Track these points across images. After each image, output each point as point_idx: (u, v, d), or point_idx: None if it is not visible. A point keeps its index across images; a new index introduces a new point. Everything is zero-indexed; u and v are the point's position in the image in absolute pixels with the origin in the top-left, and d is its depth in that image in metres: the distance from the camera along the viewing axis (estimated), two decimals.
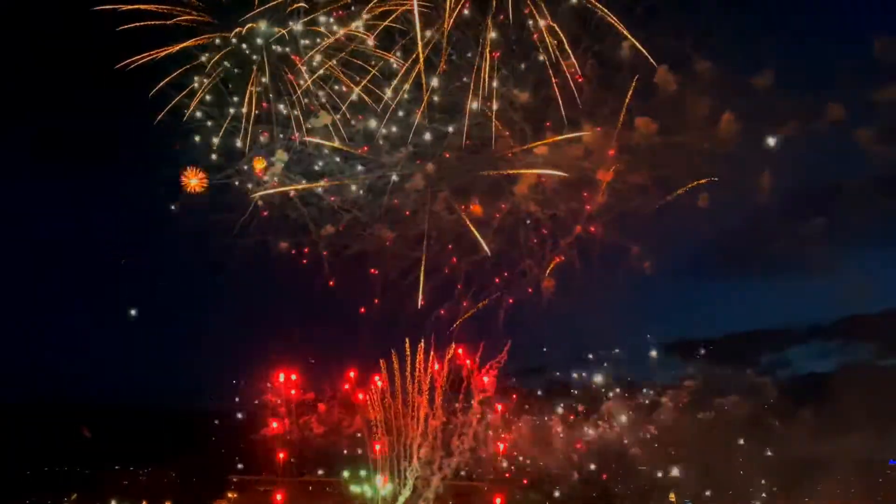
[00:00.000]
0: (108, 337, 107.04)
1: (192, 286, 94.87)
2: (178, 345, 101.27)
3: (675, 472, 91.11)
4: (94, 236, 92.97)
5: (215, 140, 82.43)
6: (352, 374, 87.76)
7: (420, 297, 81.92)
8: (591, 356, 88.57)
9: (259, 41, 78.71)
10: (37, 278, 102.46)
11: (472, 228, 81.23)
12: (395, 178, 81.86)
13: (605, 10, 75.27)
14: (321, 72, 79.41)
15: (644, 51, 75.51)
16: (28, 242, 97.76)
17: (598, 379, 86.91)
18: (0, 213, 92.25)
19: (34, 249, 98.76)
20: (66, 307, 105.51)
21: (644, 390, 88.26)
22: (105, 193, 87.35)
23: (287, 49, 79.98)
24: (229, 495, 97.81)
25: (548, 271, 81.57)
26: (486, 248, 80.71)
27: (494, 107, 78.49)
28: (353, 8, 77.76)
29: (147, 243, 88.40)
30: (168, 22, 78.42)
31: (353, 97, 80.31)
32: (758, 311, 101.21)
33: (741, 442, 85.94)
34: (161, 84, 78.64)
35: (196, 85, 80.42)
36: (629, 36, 74.54)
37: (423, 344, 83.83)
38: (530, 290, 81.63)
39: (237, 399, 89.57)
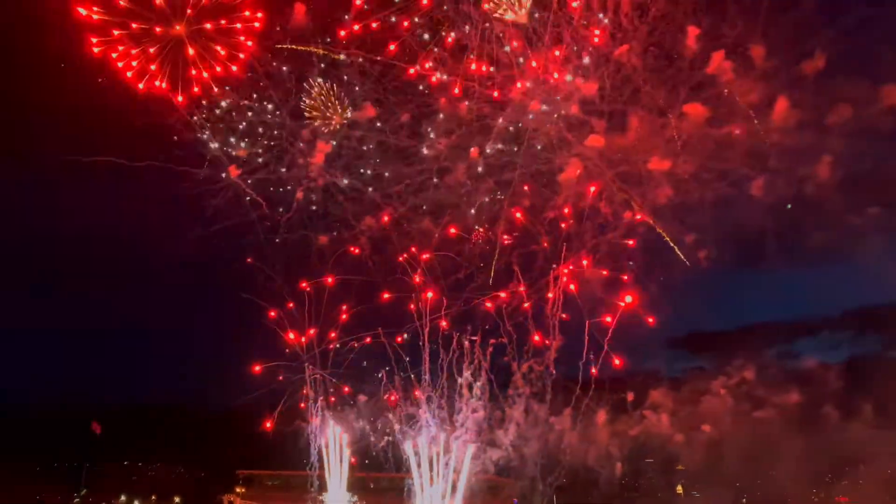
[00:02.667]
0: (120, 335, 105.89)
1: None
2: (191, 343, 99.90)
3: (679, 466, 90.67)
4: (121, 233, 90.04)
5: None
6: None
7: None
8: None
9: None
10: (50, 276, 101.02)
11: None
12: (437, 169, 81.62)
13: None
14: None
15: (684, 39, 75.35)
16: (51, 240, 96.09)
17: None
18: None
19: (55, 247, 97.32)
20: (78, 305, 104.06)
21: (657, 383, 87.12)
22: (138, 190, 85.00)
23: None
24: (238, 490, 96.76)
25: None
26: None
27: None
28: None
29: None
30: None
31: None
32: (767, 303, 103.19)
33: (748, 434, 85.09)
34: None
35: None
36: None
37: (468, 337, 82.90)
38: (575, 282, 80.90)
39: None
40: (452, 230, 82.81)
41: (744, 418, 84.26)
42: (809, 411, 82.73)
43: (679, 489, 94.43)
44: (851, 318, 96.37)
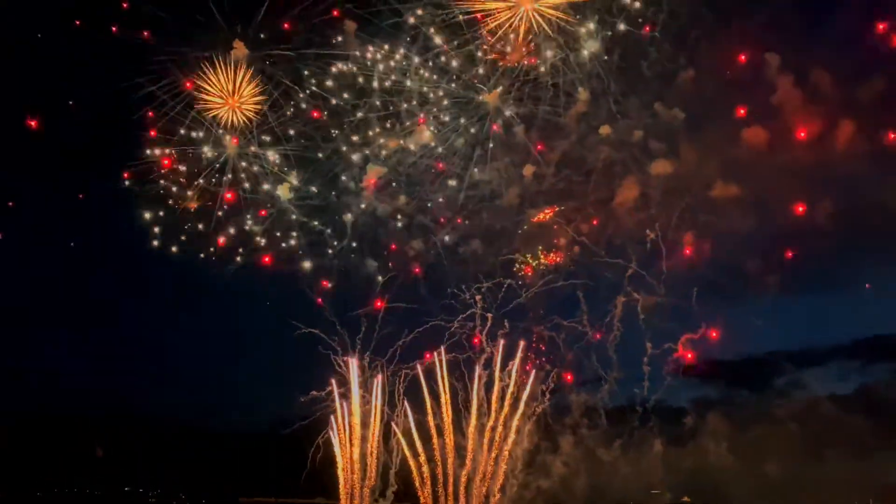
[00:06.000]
0: (128, 355, 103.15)
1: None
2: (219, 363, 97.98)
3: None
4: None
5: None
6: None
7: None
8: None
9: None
10: (54, 294, 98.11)
11: None
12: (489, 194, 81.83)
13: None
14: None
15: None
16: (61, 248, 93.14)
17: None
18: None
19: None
20: (82, 324, 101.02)
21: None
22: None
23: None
24: None
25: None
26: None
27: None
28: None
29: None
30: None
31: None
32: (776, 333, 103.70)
33: (756, 465, 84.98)
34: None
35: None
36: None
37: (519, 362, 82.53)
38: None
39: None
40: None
41: (752, 448, 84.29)
42: (818, 441, 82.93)
43: None
44: (861, 348, 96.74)
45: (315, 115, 79.93)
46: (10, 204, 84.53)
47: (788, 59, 77.72)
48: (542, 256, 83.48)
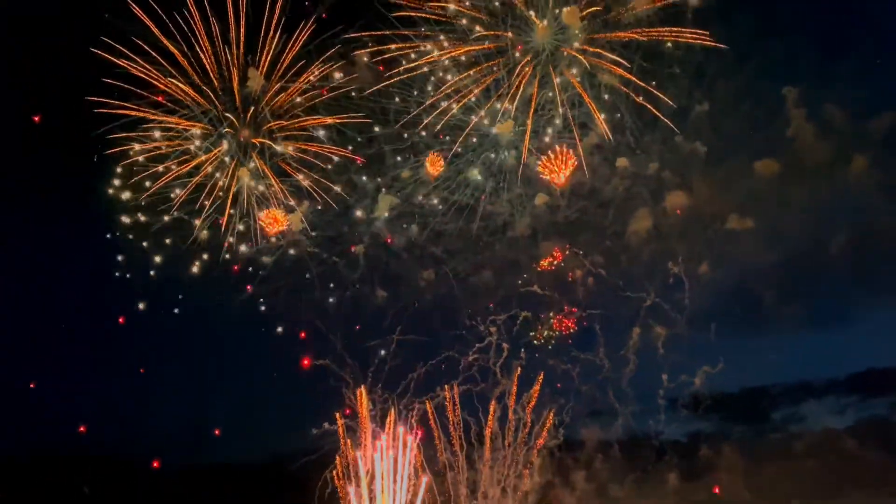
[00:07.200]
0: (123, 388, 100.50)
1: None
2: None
3: None
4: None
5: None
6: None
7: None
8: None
9: None
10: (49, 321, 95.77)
11: None
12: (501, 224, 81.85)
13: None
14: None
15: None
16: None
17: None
18: None
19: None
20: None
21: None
22: None
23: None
24: None
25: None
26: None
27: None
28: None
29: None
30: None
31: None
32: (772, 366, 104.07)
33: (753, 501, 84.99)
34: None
35: None
36: None
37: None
38: None
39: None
40: None
41: (747, 484, 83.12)
42: (814, 476, 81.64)
43: None
44: (858, 382, 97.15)
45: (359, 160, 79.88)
46: None
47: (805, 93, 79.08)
48: (553, 324, 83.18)
